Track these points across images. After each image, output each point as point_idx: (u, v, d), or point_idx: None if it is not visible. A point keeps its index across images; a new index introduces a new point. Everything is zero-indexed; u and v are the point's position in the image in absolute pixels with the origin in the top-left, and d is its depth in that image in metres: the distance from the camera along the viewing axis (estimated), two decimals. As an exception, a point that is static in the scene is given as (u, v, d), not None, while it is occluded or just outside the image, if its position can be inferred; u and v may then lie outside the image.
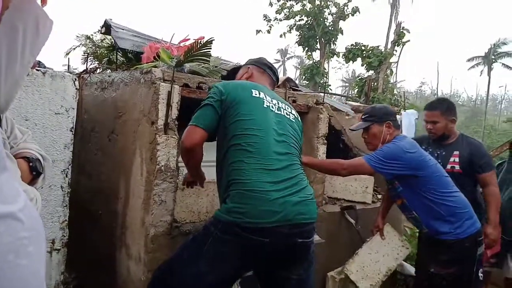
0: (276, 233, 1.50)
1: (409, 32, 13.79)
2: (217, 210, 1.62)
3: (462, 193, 2.26)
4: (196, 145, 1.65)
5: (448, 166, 2.54)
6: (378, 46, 14.81)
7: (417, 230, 2.64)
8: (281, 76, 2.47)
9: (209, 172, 2.38)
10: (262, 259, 1.59)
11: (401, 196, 2.28)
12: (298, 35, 18.54)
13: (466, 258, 2.16)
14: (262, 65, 2.01)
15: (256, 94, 1.72)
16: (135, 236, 2.06)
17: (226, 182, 1.60)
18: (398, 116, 3.84)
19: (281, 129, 1.69)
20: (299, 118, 1.90)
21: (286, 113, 1.79)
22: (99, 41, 3.13)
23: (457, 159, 2.56)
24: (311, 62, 18.89)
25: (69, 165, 1.95)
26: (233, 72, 2.11)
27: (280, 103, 1.80)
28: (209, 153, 2.65)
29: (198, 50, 2.23)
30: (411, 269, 3.01)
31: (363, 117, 2.40)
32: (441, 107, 2.62)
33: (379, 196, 3.30)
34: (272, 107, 1.73)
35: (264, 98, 1.73)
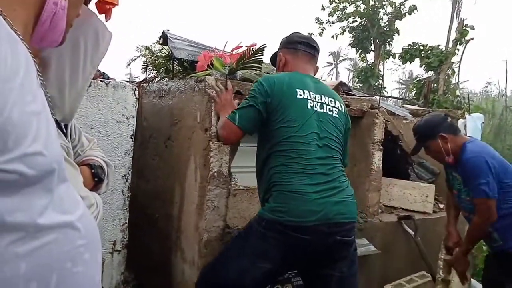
0: (317, 232, 1.57)
1: (473, 29, 12.85)
2: (261, 209, 1.70)
3: None
4: (231, 143, 1.84)
5: None
6: (438, 46, 13.99)
7: (484, 243, 2.44)
8: (334, 81, 2.42)
9: (250, 178, 2.39)
10: (303, 256, 1.63)
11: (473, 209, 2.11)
12: (352, 37, 18.09)
13: None
14: (293, 45, 1.90)
15: (300, 94, 1.71)
16: (189, 240, 2.11)
17: (268, 185, 1.68)
18: (461, 120, 3.58)
19: (323, 132, 1.70)
20: (343, 109, 1.86)
21: (329, 109, 1.77)
22: (158, 51, 3.26)
23: None
24: (365, 64, 18.33)
25: (129, 170, 2.06)
26: (274, 58, 2.08)
27: (323, 97, 1.77)
28: (248, 160, 2.66)
29: (250, 57, 2.24)
30: (478, 286, 2.78)
31: (415, 137, 2.29)
32: None
33: (441, 206, 3.09)
34: (316, 106, 1.72)
35: (309, 97, 1.72)
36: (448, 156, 2.13)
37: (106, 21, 0.94)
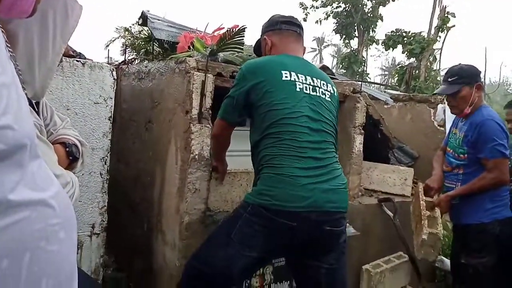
0: (304, 218, 1.50)
1: (454, 17, 13.01)
2: (248, 194, 1.64)
3: None
4: (217, 136, 1.79)
5: None
6: (420, 32, 14.12)
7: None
8: (317, 64, 2.41)
9: (243, 161, 2.39)
10: (290, 245, 1.58)
11: (461, 166, 2.22)
12: (336, 23, 18.06)
13: (493, 246, 2.09)
14: (276, 25, 1.81)
15: (286, 76, 1.62)
16: (170, 223, 2.10)
17: (257, 167, 1.63)
18: (441, 105, 3.65)
19: (316, 115, 1.62)
20: (335, 93, 1.80)
21: (322, 92, 1.69)
22: (137, 32, 3.18)
23: None
24: (348, 50, 18.38)
25: (108, 152, 2.02)
26: (258, 47, 1.97)
27: (315, 80, 1.69)
28: (243, 143, 2.65)
29: (231, 38, 2.21)
30: (446, 261, 2.90)
31: (449, 79, 2.23)
32: None
33: (419, 189, 3.17)
34: (306, 88, 1.64)
35: (296, 79, 1.63)
36: (469, 107, 2.17)
37: None
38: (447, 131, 3.19)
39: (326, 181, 1.56)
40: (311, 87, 1.66)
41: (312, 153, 1.57)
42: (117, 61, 3.29)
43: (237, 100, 1.64)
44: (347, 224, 2.48)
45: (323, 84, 1.73)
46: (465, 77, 2.18)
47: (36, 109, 1.08)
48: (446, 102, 4.27)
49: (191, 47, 2.28)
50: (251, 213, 1.54)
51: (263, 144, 1.61)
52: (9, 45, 0.75)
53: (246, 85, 1.62)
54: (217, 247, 1.58)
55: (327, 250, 1.61)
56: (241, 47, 2.27)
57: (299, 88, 1.63)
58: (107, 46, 3.41)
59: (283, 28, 1.80)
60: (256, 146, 1.65)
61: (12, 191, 0.56)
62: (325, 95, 1.70)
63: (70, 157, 1.11)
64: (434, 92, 2.40)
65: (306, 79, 1.66)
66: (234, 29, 2.23)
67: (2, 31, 0.63)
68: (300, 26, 1.85)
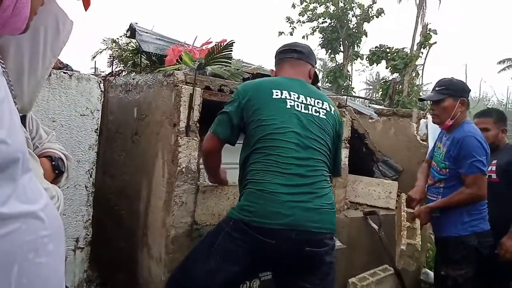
0: (282, 237, 1.47)
1: (436, 34, 13.42)
2: (232, 208, 1.63)
3: (500, 203, 2.27)
4: (207, 152, 1.73)
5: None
6: (403, 48, 14.49)
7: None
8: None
9: (230, 174, 2.39)
10: (271, 262, 1.58)
11: (443, 180, 2.27)
12: (321, 38, 18.40)
13: (472, 258, 2.13)
14: (277, 57, 1.90)
15: (277, 95, 1.64)
16: (156, 236, 2.08)
17: (243, 181, 1.63)
18: (423, 120, 3.74)
19: (306, 131, 1.61)
20: (333, 111, 1.76)
21: (315, 110, 1.68)
22: (125, 44, 3.18)
23: (494, 168, 2.47)
24: (334, 64, 18.70)
25: (94, 165, 2.00)
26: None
27: (309, 99, 1.69)
28: (233, 155, 2.66)
29: (219, 52, 2.24)
30: (430, 274, 2.94)
31: (437, 88, 2.32)
32: (495, 115, 2.56)
33: (403, 202, 3.22)
34: (298, 106, 1.64)
35: (288, 97, 1.65)
36: (451, 120, 2.23)
37: (85, 10, 0.91)
38: (430, 145, 3.28)
39: (309, 200, 1.52)
40: (303, 105, 1.66)
41: (297, 169, 1.54)
42: (103, 71, 3.28)
43: (230, 116, 1.65)
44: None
45: (318, 102, 1.71)
46: (451, 90, 2.26)
47: (23, 123, 1.07)
48: (428, 118, 4.39)
49: (179, 60, 2.30)
50: (233, 228, 1.53)
51: (250, 159, 1.61)
52: (2, 61, 0.75)
53: (239, 102, 1.65)
54: (198, 261, 1.57)
55: (310, 271, 1.56)
56: (229, 61, 2.30)
57: (290, 105, 1.63)
58: (94, 57, 3.40)
59: (280, 58, 1.88)
60: (244, 162, 1.66)
61: (4, 204, 0.57)
62: (319, 113, 1.69)
63: (56, 171, 1.11)
64: (420, 97, 2.48)
65: (299, 98, 1.67)
66: (222, 43, 2.26)
67: None
68: (300, 52, 1.85)
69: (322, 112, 1.70)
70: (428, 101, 3.19)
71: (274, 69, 1.94)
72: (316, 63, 1.95)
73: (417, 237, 2.31)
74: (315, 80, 1.92)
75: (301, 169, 1.55)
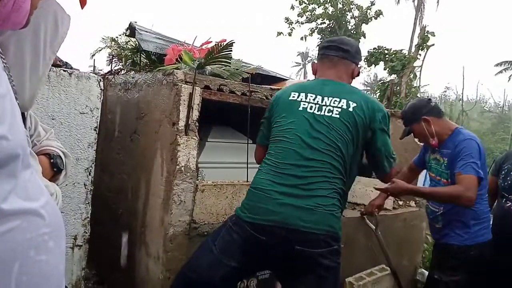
0: (272, 234, 1.50)
1: (434, 36, 13.44)
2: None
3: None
4: (258, 160, 1.87)
5: None
6: (401, 50, 14.51)
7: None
8: (301, 79, 2.46)
9: (228, 174, 2.40)
10: (264, 259, 1.60)
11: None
12: (320, 38, 18.43)
13: (471, 267, 2.11)
14: (326, 50, 1.82)
15: (294, 96, 1.70)
16: (154, 235, 2.08)
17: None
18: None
19: (312, 132, 1.60)
20: (352, 107, 1.63)
21: (328, 110, 1.62)
22: (124, 43, 3.18)
23: None
24: (332, 65, 18.70)
25: (93, 163, 2.00)
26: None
27: (326, 99, 1.65)
28: (229, 155, 2.66)
29: (219, 52, 2.25)
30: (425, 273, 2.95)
31: (403, 123, 2.38)
32: None
33: (400, 203, 3.23)
34: (311, 107, 1.64)
35: (303, 99, 1.67)
36: (432, 138, 2.19)
37: (81, 8, 0.91)
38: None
39: (302, 199, 1.51)
40: (317, 106, 1.64)
41: (294, 170, 1.56)
42: (101, 70, 3.28)
43: (263, 125, 1.84)
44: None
45: (334, 101, 1.65)
46: (409, 117, 2.27)
47: (23, 121, 1.08)
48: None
49: (179, 59, 2.30)
50: (233, 222, 1.62)
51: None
52: (3, 56, 0.75)
53: (270, 110, 1.80)
54: (203, 253, 1.64)
55: (303, 271, 1.53)
56: (229, 61, 2.31)
57: (303, 107, 1.66)
58: (93, 55, 3.40)
59: (324, 53, 1.82)
60: None
61: (5, 201, 0.57)
62: (332, 112, 1.62)
63: (54, 168, 1.11)
64: (400, 138, 2.45)
65: (315, 99, 1.66)
66: (222, 43, 2.27)
67: None
68: (343, 50, 1.77)
69: (336, 110, 1.63)
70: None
71: (316, 61, 1.89)
72: (361, 60, 1.90)
73: None
74: None
75: (298, 170, 1.56)
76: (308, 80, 1.90)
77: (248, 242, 1.56)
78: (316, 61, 1.88)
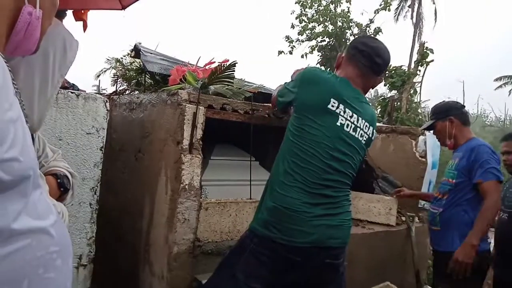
0: (307, 254, 1.55)
1: (432, 53, 13.59)
2: (253, 222, 1.66)
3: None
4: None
5: None
6: (401, 66, 14.66)
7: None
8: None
9: (232, 191, 2.42)
10: (293, 277, 1.60)
11: (447, 192, 2.29)
12: (320, 56, 18.64)
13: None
14: (353, 50, 1.71)
15: (333, 105, 1.57)
16: (158, 253, 2.09)
17: (271, 189, 1.62)
18: (422, 137, 3.78)
19: (343, 156, 1.60)
20: (373, 136, 1.74)
21: (361, 135, 1.65)
22: (129, 64, 3.26)
23: None
24: (333, 82, 18.83)
25: (98, 183, 2.03)
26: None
27: (361, 120, 1.64)
28: (232, 173, 2.68)
29: (222, 72, 2.30)
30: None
31: (430, 116, 2.47)
32: None
33: (403, 218, 3.23)
34: (348, 126, 1.60)
35: (341, 113, 1.58)
36: (449, 139, 2.29)
37: (84, 31, 0.96)
38: (429, 161, 3.32)
39: (332, 218, 1.58)
40: (353, 126, 1.62)
41: (323, 190, 1.57)
42: (105, 89, 3.35)
43: (288, 94, 1.75)
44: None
45: (366, 126, 1.67)
46: (437, 113, 2.38)
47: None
48: (426, 134, 4.44)
49: (183, 80, 2.36)
50: (258, 244, 1.56)
51: (283, 162, 1.60)
52: (14, 82, 0.79)
53: (298, 86, 1.67)
54: (224, 280, 1.59)
55: (325, 282, 1.64)
56: (232, 80, 2.36)
57: (340, 123, 1.59)
58: (98, 76, 3.48)
59: (357, 59, 1.69)
60: (282, 158, 1.62)
61: (15, 220, 0.59)
62: (363, 137, 1.66)
63: (61, 188, 1.14)
64: (420, 128, 2.63)
65: (352, 116, 1.61)
66: (224, 64, 2.33)
67: (9, 69, 0.67)
68: (378, 65, 1.68)
69: (365, 136, 1.68)
70: (425, 118, 3.25)
71: (340, 54, 1.81)
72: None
73: None
74: None
75: (327, 190, 1.59)
76: (334, 75, 1.72)
77: (279, 262, 1.55)
78: (344, 55, 1.76)
